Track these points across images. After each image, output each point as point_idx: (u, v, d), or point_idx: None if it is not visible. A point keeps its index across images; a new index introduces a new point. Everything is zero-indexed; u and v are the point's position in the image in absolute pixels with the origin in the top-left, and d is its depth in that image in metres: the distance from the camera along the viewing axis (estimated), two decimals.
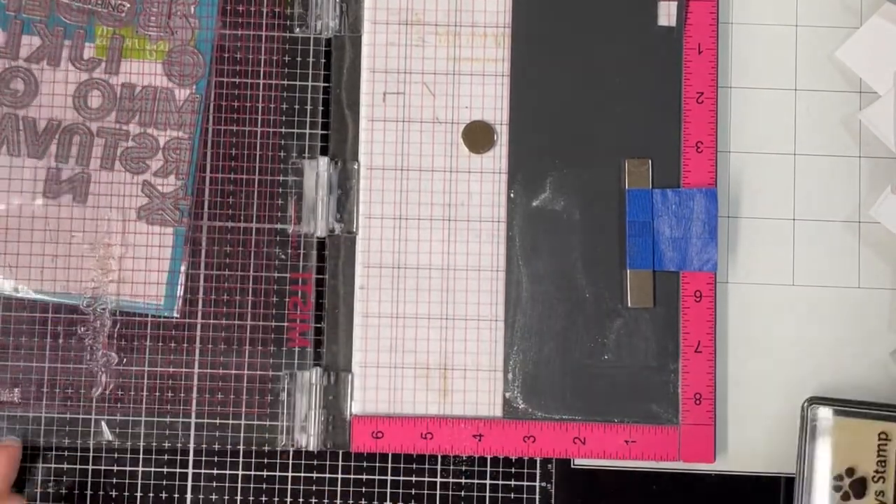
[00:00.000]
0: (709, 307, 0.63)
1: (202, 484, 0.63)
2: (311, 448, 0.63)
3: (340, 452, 0.64)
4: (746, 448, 0.64)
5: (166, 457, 0.63)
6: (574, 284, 0.64)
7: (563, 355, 0.63)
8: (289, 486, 0.64)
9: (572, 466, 0.64)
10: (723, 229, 0.65)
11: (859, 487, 0.60)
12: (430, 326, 0.64)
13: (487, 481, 0.64)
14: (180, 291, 0.63)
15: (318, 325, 0.64)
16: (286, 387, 0.63)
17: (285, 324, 0.64)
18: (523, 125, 0.64)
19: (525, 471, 0.64)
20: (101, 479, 0.63)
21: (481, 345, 0.64)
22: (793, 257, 0.65)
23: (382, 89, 0.65)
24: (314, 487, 0.63)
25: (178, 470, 0.63)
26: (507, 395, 0.63)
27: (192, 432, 0.63)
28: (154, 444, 0.63)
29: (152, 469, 0.63)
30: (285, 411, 0.63)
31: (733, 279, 0.65)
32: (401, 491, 0.63)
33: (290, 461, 0.64)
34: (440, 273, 0.64)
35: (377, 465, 0.64)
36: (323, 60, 0.65)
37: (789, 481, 0.63)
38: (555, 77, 0.64)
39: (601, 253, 0.64)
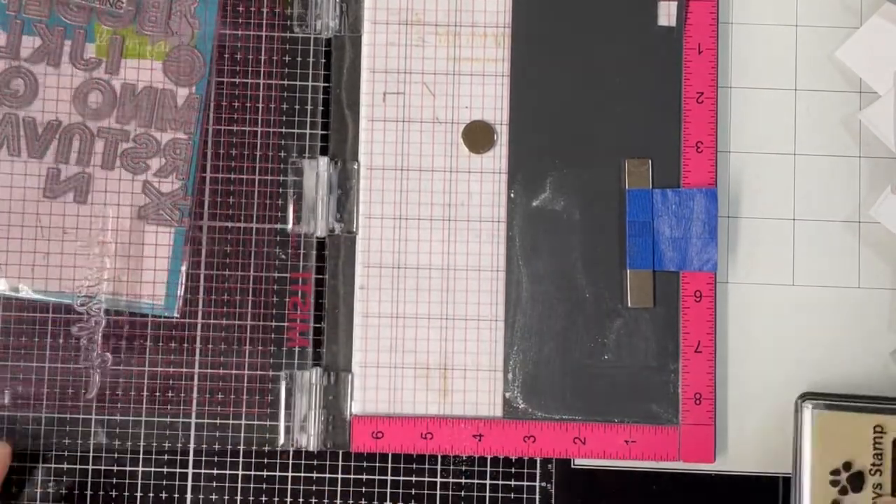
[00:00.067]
0: (709, 307, 0.63)
1: (202, 484, 0.63)
2: (311, 448, 0.63)
3: (340, 452, 0.64)
4: (747, 448, 0.64)
5: (166, 457, 0.63)
6: (574, 284, 0.64)
7: (563, 355, 0.63)
8: (289, 486, 0.63)
9: (572, 466, 0.64)
10: (723, 229, 0.65)
11: (857, 481, 0.60)
12: (430, 326, 0.64)
13: (487, 481, 0.63)
14: (180, 291, 0.63)
15: (318, 325, 0.64)
16: (286, 387, 0.63)
17: (285, 324, 0.64)
18: (523, 125, 0.64)
19: (525, 471, 0.64)
20: (101, 480, 0.63)
21: (481, 345, 0.63)
22: (793, 257, 0.65)
23: (382, 89, 0.65)
24: (314, 487, 0.63)
25: (177, 470, 0.63)
26: (507, 395, 0.63)
27: (192, 432, 0.63)
28: (154, 444, 0.63)
29: (152, 469, 0.63)
30: (285, 411, 0.63)
31: (733, 279, 0.64)
32: (401, 491, 0.63)
33: (290, 461, 0.64)
34: (440, 273, 0.64)
35: (377, 465, 0.64)
36: (323, 60, 0.65)
37: (789, 481, 0.63)
38: (555, 77, 0.64)
39: (601, 253, 0.64)
